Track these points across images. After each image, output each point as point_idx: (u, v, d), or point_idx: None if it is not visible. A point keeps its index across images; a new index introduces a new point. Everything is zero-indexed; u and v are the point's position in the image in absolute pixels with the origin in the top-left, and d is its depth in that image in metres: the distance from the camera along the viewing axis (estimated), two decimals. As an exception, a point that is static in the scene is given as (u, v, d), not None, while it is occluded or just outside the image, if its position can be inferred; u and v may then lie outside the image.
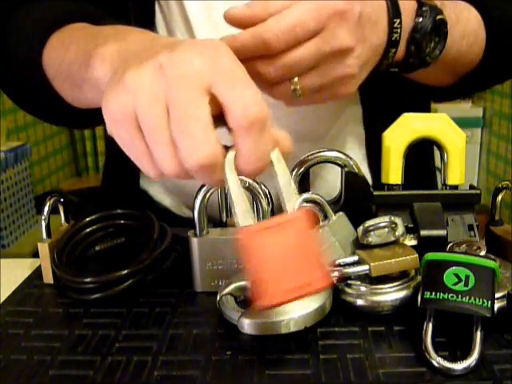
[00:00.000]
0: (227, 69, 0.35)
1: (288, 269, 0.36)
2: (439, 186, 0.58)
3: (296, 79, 0.46)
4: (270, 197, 0.54)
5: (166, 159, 0.35)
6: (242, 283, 0.50)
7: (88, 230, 0.59)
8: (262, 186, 0.53)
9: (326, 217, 0.53)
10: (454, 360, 0.41)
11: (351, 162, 0.59)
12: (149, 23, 0.67)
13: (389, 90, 0.63)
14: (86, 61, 0.45)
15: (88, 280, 0.52)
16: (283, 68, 0.45)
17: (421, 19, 0.51)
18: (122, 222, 0.60)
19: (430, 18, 0.51)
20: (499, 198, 0.56)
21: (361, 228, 0.51)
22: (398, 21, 0.49)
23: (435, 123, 0.55)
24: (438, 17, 0.52)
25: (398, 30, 0.50)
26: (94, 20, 0.55)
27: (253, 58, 0.44)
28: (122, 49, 0.42)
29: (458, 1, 0.61)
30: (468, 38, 0.59)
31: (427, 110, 0.77)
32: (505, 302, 0.45)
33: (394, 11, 0.49)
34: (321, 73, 0.46)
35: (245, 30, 0.44)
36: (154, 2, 0.67)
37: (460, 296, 0.42)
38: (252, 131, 0.34)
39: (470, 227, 0.54)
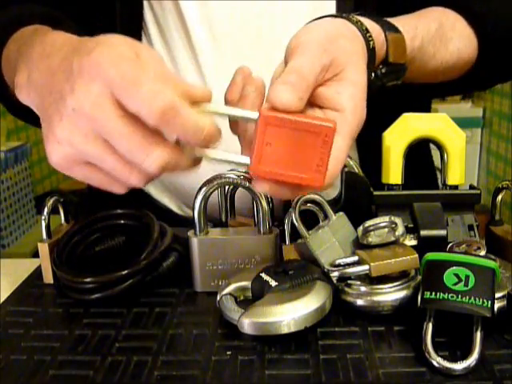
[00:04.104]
0: (116, 79, 0.36)
1: (288, 158, 0.38)
2: (439, 185, 0.58)
3: None
4: (270, 197, 0.54)
5: (129, 176, 0.39)
6: (242, 283, 0.50)
7: (88, 230, 0.59)
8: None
9: (326, 217, 0.53)
10: (454, 360, 0.41)
11: (351, 162, 0.59)
12: (136, 22, 0.67)
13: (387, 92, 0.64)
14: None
15: (88, 280, 0.52)
16: None
17: (374, 78, 0.52)
18: (122, 222, 0.60)
19: (383, 80, 0.53)
20: (499, 198, 0.56)
21: (361, 228, 0.51)
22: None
23: (435, 123, 0.55)
24: (391, 83, 0.53)
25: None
26: (52, 23, 0.55)
27: None
28: (31, 78, 0.43)
29: (448, 13, 0.61)
30: (448, 62, 0.60)
31: (427, 110, 0.77)
32: (505, 302, 0.45)
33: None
34: None
35: None
36: (142, 0, 0.67)
37: (460, 296, 0.42)
38: (168, 118, 0.36)
39: (470, 227, 0.54)
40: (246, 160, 0.39)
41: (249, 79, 0.44)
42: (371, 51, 0.48)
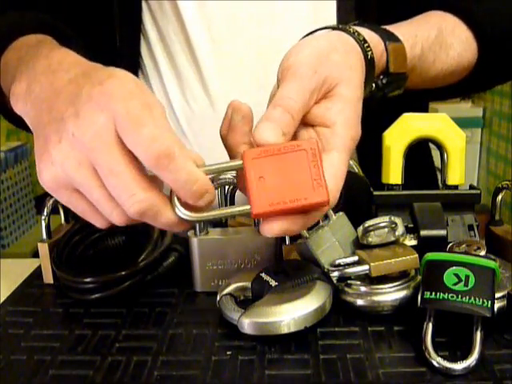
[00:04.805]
0: (122, 114, 0.36)
1: (284, 185, 0.38)
2: (439, 185, 0.58)
3: None
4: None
5: (111, 212, 0.39)
6: (242, 283, 0.50)
7: (88, 230, 0.59)
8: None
9: (326, 217, 0.53)
10: (454, 360, 0.41)
11: (351, 162, 0.59)
12: (134, 25, 0.67)
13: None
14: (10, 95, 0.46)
15: (88, 280, 0.52)
16: None
17: (375, 89, 0.52)
18: (122, 221, 0.59)
19: (384, 90, 0.53)
20: (499, 197, 0.56)
21: (361, 228, 0.51)
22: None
23: (435, 123, 0.55)
24: (393, 94, 0.53)
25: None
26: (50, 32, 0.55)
27: None
28: (30, 89, 0.43)
29: (447, 18, 0.61)
30: (448, 68, 0.60)
31: (425, 110, 0.77)
32: (505, 302, 0.45)
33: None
34: None
35: None
36: (141, 1, 0.67)
37: (460, 296, 0.42)
38: (162, 165, 0.36)
39: (470, 227, 0.54)
40: (247, 207, 0.39)
41: (235, 109, 0.43)
42: (369, 62, 0.48)
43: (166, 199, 0.39)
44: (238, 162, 0.39)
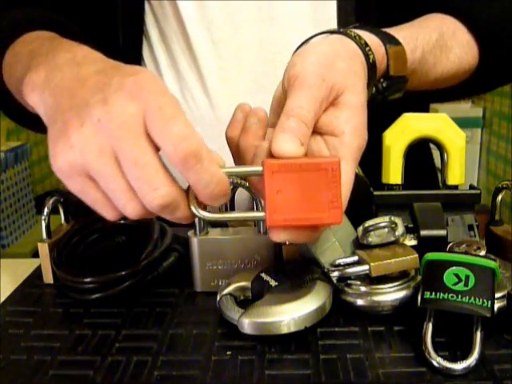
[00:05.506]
0: (154, 108, 0.36)
1: (301, 202, 0.38)
2: (439, 185, 0.58)
3: None
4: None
5: (127, 203, 0.38)
6: (242, 283, 0.50)
7: (88, 230, 0.59)
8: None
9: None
10: (454, 360, 0.41)
11: (351, 162, 0.59)
12: (137, 23, 0.67)
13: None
14: (21, 86, 0.45)
15: (88, 280, 0.52)
16: None
17: (375, 92, 0.52)
18: (122, 221, 0.59)
19: (384, 93, 0.53)
20: (499, 197, 0.56)
21: (361, 228, 0.51)
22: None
23: (435, 123, 0.55)
24: (393, 97, 0.53)
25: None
26: (55, 29, 0.55)
27: None
28: (49, 78, 0.42)
29: (447, 21, 0.61)
30: (449, 71, 0.60)
31: (426, 110, 0.77)
32: (505, 302, 0.45)
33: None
34: None
35: None
36: (144, 1, 0.67)
37: (460, 296, 0.42)
38: (189, 165, 0.36)
39: (470, 227, 0.54)
40: (261, 214, 0.40)
41: (250, 112, 0.43)
42: (371, 65, 0.48)
43: (184, 194, 0.39)
44: (257, 168, 0.39)
